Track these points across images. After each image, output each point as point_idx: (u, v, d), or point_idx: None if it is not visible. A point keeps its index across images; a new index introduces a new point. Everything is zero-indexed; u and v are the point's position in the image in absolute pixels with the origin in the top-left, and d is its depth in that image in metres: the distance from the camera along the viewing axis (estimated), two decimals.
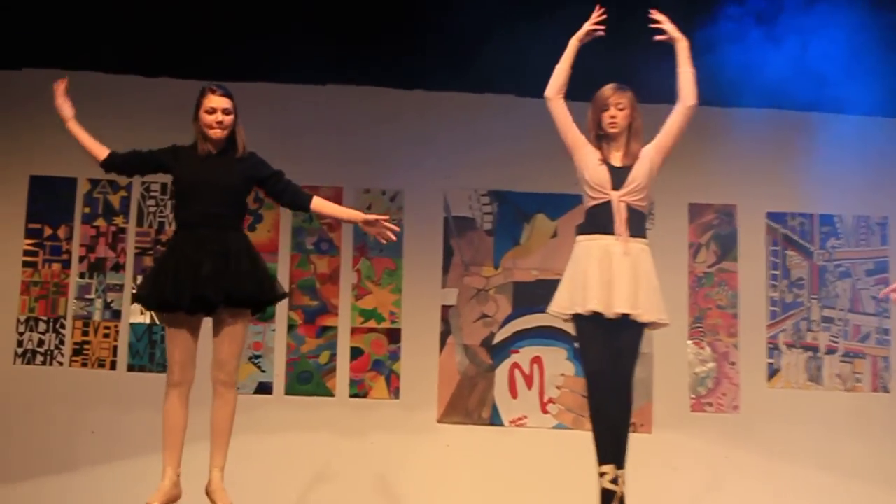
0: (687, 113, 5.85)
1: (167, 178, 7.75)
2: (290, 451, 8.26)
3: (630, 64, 6.80)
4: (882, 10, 7.18)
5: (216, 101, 5.82)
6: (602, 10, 5.87)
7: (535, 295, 8.19)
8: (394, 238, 5.92)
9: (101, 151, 6.00)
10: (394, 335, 8.39)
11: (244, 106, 8.56)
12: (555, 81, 5.85)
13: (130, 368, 8.29)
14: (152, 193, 8.43)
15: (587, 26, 5.88)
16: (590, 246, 5.75)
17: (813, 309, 8.63)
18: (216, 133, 5.78)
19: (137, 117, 8.32)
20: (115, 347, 8.30)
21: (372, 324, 8.42)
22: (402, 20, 7.44)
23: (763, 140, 8.58)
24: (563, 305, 5.79)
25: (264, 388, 8.34)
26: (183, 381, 5.88)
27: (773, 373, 8.52)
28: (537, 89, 8.12)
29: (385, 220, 5.83)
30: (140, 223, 8.43)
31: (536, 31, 7.07)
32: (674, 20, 5.98)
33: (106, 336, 8.31)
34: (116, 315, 8.32)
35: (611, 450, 5.68)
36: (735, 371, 8.47)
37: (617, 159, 5.85)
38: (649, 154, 5.84)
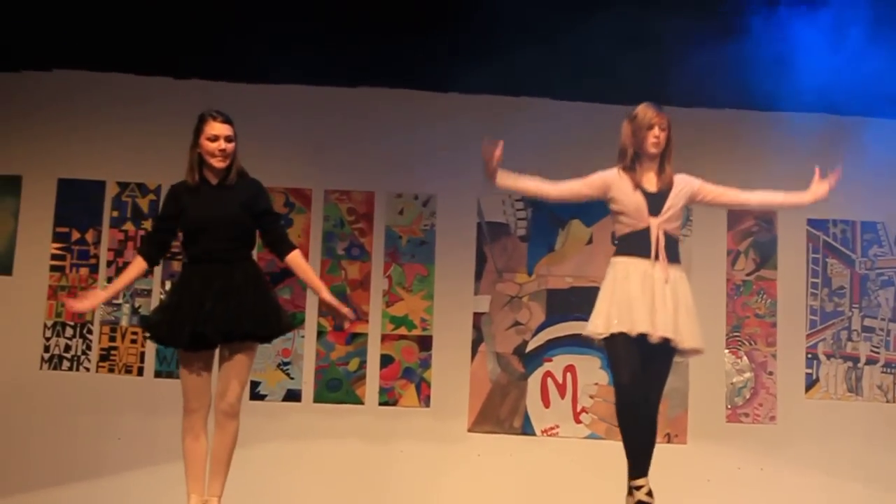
0: (740, 207, 6.24)
1: None
2: (318, 458, 8.29)
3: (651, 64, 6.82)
4: None
5: (218, 128, 5.65)
6: (500, 143, 5.85)
7: (569, 302, 8.22)
8: (350, 320, 6.14)
9: (140, 266, 5.78)
10: (425, 342, 8.38)
11: (274, 109, 8.65)
12: (537, 193, 5.96)
13: (157, 374, 8.32)
14: None
15: (488, 165, 5.85)
16: (628, 267, 5.71)
17: (854, 318, 8.60)
18: (219, 163, 5.64)
19: (162, 119, 8.38)
20: (143, 353, 8.34)
21: (403, 331, 8.42)
22: (437, 20, 7.38)
23: (804, 145, 8.32)
24: (605, 325, 5.72)
25: (293, 396, 8.36)
26: (199, 407, 5.81)
27: (811, 383, 8.48)
28: (573, 92, 8.10)
29: (345, 312, 5.86)
30: None
31: (573, 33, 7.05)
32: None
33: (133, 342, 8.36)
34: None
35: (644, 463, 5.66)
36: (773, 381, 8.44)
37: (652, 184, 5.80)
38: (691, 186, 5.85)
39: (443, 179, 8.45)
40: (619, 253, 5.82)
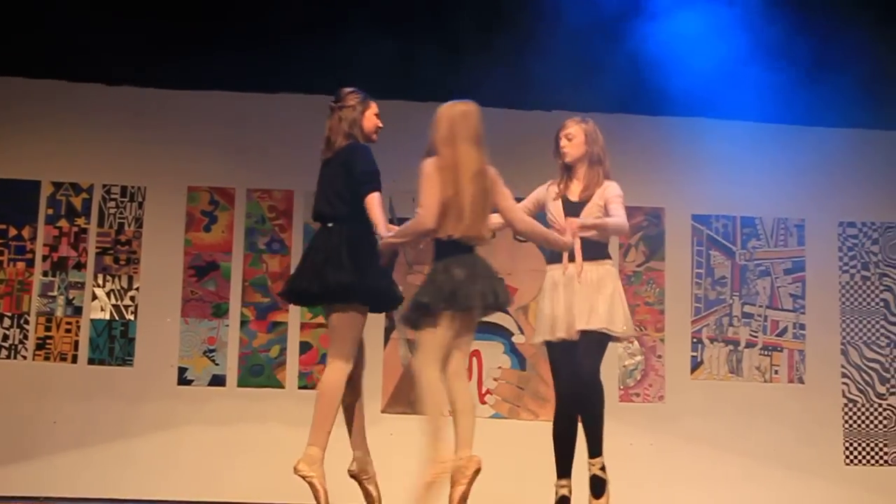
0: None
1: (127, 181, 8.19)
2: (242, 440, 8.44)
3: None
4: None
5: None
6: None
7: None
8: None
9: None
10: None
11: (200, 114, 8.79)
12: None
13: (91, 362, 8.49)
14: (112, 196, 8.67)
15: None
16: (554, 276, 6.01)
17: (734, 305, 8.96)
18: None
19: (94, 123, 8.67)
20: (77, 342, 8.49)
21: (320, 319, 8.42)
22: (353, 29, 7.67)
23: (689, 147, 8.86)
24: (538, 336, 6.06)
25: (218, 381, 8.55)
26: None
27: (696, 365, 8.84)
28: (504, 99, 8.26)
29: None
30: (101, 224, 8.63)
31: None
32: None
33: (67, 331, 8.50)
34: (78, 311, 8.53)
35: (567, 465, 6.04)
36: (661, 364, 8.77)
37: (575, 193, 6.03)
38: (605, 198, 5.98)
39: None
40: (548, 262, 6.14)
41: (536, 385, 8.58)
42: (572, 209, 5.97)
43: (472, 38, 7.81)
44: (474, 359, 8.62)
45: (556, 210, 6.03)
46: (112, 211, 8.67)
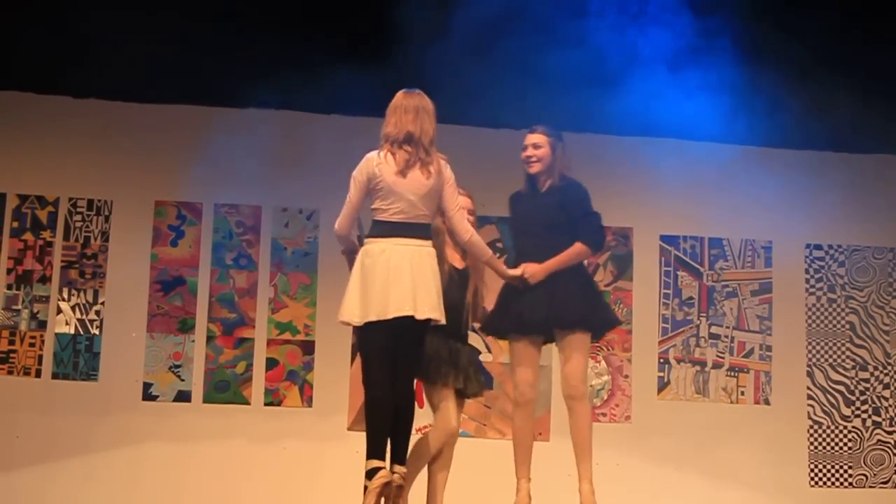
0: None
1: (93, 195, 8.14)
2: (207, 456, 8.42)
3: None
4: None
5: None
6: None
7: None
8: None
9: None
10: (308, 347, 8.63)
11: (168, 129, 8.77)
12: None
13: (55, 376, 8.44)
14: (79, 209, 8.63)
15: None
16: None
17: (702, 326, 9.02)
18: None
19: (60, 135, 8.63)
20: (41, 356, 8.44)
21: (287, 336, 8.65)
22: (324, 46, 7.63)
23: (657, 167, 8.87)
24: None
25: (183, 397, 8.52)
26: None
27: (663, 385, 8.89)
28: (451, 115, 8.28)
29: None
30: (67, 237, 8.58)
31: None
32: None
33: (32, 345, 8.45)
34: (42, 325, 8.47)
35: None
36: (628, 383, 8.81)
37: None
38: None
39: (326, 195, 8.32)
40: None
41: (504, 404, 8.57)
42: None
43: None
44: None
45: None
46: (78, 224, 8.63)
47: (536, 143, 6.17)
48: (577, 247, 5.99)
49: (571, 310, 5.94)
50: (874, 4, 7.59)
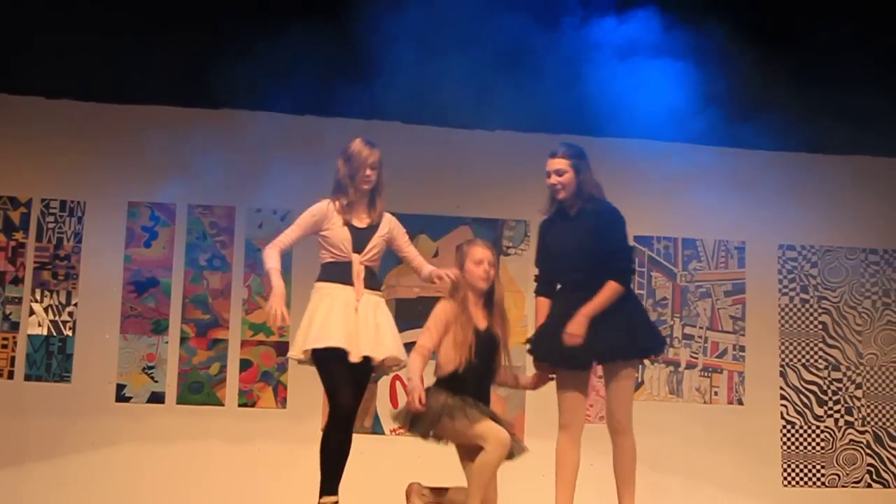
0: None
1: (66, 196, 8.09)
2: (181, 457, 8.43)
3: None
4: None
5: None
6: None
7: (416, 311, 8.29)
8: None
9: None
10: (282, 348, 8.56)
11: (141, 129, 8.75)
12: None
13: (27, 378, 8.42)
14: (51, 210, 8.60)
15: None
16: (331, 293, 5.91)
17: (675, 327, 9.07)
18: None
19: (33, 136, 8.60)
20: (13, 358, 8.42)
21: (261, 337, 8.66)
22: (302, 48, 7.58)
23: (630, 168, 8.85)
24: (305, 344, 5.87)
25: (157, 398, 8.52)
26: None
27: (637, 386, 8.67)
28: (426, 117, 8.29)
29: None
30: (39, 238, 8.56)
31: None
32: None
33: (4, 347, 8.43)
34: (15, 327, 8.46)
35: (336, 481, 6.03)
36: (601, 384, 8.70)
37: (361, 220, 5.99)
38: (392, 230, 6.06)
39: (300, 196, 8.51)
40: (321, 279, 6.03)
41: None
42: (360, 237, 5.99)
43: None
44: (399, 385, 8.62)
45: (342, 236, 6.01)
46: (51, 225, 8.61)
47: (559, 169, 5.99)
48: (612, 286, 5.84)
49: (613, 346, 5.91)
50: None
